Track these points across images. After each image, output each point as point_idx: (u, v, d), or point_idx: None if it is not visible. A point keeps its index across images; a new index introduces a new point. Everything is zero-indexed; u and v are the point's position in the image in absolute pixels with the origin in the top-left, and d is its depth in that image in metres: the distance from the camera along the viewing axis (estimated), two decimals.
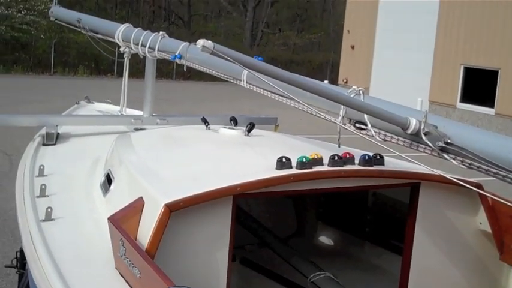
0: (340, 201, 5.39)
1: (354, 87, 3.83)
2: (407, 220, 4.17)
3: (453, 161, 3.25)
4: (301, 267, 4.81)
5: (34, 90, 26.75)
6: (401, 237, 4.27)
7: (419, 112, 3.45)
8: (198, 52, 5.25)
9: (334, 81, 32.53)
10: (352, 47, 32.06)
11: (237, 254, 5.14)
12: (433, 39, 26.53)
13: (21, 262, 5.59)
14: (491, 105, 23.62)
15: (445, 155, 3.28)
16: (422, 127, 3.33)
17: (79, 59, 37.07)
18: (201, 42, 3.15)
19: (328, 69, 44.86)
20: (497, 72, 23.34)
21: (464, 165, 3.22)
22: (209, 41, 3.15)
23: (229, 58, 3.19)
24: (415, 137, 3.40)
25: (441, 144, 3.27)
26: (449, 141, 3.25)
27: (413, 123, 3.36)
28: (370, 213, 5.27)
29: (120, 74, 9.06)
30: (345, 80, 31.39)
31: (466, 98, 24.97)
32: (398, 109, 3.54)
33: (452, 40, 25.46)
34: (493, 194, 3.71)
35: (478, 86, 24.19)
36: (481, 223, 4.25)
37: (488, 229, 4.21)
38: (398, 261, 4.31)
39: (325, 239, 5.69)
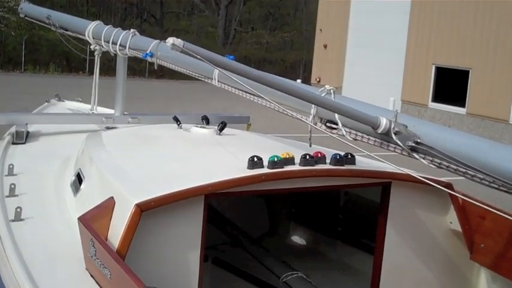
0: (312, 200, 5.40)
1: (325, 86, 3.83)
2: (379, 219, 4.19)
3: (423, 160, 3.27)
4: (274, 267, 4.82)
5: (4, 88, 26.43)
6: (372, 236, 4.29)
7: (389, 112, 3.47)
8: (168, 50, 5.23)
9: (307, 80, 32.58)
10: (325, 46, 32.11)
11: (209, 254, 5.13)
12: (405, 38, 26.68)
13: None
14: (463, 105, 23.79)
15: (414, 155, 3.29)
16: (392, 126, 3.34)
17: (50, 57, 36.69)
18: (170, 40, 3.13)
19: (301, 68, 44.90)
20: (468, 71, 23.54)
21: (434, 164, 3.23)
22: (179, 39, 3.14)
23: (199, 57, 3.18)
24: (386, 136, 3.41)
25: (411, 143, 3.28)
26: (419, 140, 3.27)
27: (384, 122, 3.38)
28: (342, 212, 5.28)
29: (91, 72, 8.98)
30: (317, 79, 31.44)
31: (438, 97, 25.13)
32: (369, 109, 3.55)
33: (424, 40, 25.63)
34: (463, 194, 3.74)
35: (450, 86, 24.37)
36: (451, 222, 4.28)
37: (459, 228, 4.24)
38: (370, 260, 4.33)
39: (297, 239, 5.70)
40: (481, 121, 22.65)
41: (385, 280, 4.20)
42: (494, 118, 22.09)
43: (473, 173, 3.02)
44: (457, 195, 3.78)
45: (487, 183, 2.99)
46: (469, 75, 23.49)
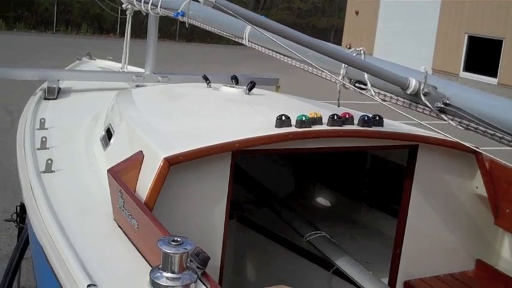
0: (338, 162, 5.41)
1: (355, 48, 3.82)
2: (404, 183, 4.19)
3: (451, 121, 3.25)
4: (298, 226, 4.85)
5: (36, 47, 26.63)
6: (397, 199, 4.29)
7: (419, 73, 3.44)
8: (200, 8, 5.24)
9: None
10: (357, 13, 31.84)
11: (235, 212, 5.19)
12: (438, 7, 26.37)
13: (20, 216, 5.63)
14: (494, 75, 23.56)
15: (443, 116, 3.28)
16: (421, 87, 3.32)
17: (82, 18, 36.85)
18: None
19: (332, 35, 44.62)
20: (501, 41, 23.24)
21: (462, 126, 3.22)
22: None
23: (231, 12, 3.19)
24: (414, 97, 3.39)
25: (440, 104, 3.26)
26: (447, 102, 3.25)
27: (413, 83, 3.36)
28: (368, 175, 5.29)
29: (122, 34, 9.02)
30: (348, 46, 31.09)
31: (469, 67, 24.90)
32: (398, 69, 3.53)
33: (457, 9, 25.30)
34: (491, 158, 3.72)
35: (482, 55, 24.09)
36: (477, 187, 4.27)
37: (484, 193, 4.23)
38: (393, 223, 4.35)
39: (322, 200, 5.73)
40: None
41: (408, 243, 4.21)
42: None
43: (501, 135, 3.00)
44: (486, 155, 3.76)
45: None
46: (502, 45, 23.19)
